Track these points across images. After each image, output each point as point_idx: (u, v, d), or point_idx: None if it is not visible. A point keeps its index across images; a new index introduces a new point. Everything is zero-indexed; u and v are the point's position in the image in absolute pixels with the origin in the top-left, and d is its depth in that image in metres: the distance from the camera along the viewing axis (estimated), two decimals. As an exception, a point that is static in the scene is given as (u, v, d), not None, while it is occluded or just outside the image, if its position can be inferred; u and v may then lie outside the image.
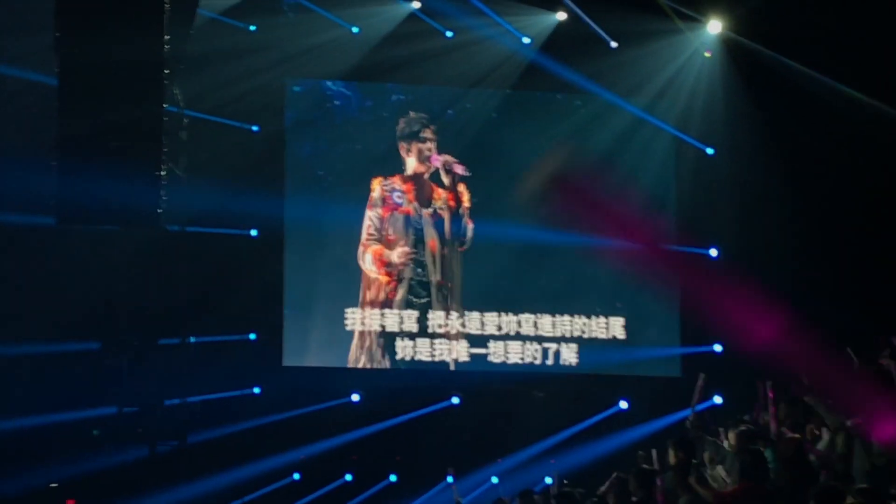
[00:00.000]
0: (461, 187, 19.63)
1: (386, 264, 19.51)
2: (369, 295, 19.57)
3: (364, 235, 19.43)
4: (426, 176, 19.68)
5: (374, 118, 19.89)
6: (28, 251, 16.60)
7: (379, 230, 19.53)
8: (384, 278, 19.53)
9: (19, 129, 15.90)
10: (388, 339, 19.50)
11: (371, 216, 19.52)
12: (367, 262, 19.42)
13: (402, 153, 19.70)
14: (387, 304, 19.54)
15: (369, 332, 19.47)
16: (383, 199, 19.60)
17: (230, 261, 18.48)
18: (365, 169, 19.69)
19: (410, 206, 19.62)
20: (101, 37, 11.18)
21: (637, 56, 18.72)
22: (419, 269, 19.58)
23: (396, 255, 19.47)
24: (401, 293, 19.57)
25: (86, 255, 16.29)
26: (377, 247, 19.46)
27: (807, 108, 16.85)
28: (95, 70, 11.18)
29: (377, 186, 19.61)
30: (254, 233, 19.40)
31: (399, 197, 19.66)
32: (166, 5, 11.60)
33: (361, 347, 19.52)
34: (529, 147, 19.57)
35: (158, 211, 11.86)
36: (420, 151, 19.70)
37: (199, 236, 17.22)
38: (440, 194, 19.68)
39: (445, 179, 19.61)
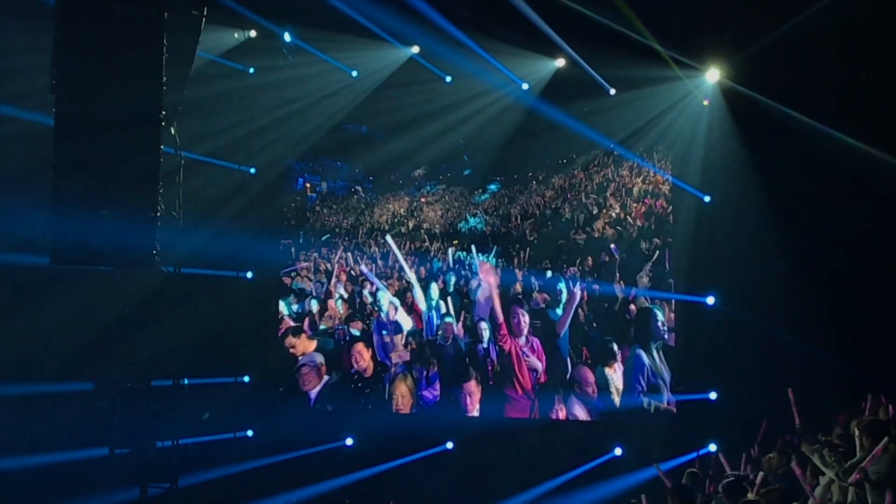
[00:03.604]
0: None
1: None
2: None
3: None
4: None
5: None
6: (23, 291, 16.56)
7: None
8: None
9: (18, 168, 15.89)
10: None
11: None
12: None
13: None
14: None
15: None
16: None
17: (226, 303, 18.46)
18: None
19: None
20: (99, 79, 11.17)
21: (635, 103, 18.74)
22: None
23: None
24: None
25: (81, 296, 16.27)
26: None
27: (803, 155, 16.84)
28: (92, 111, 11.16)
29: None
30: (249, 275, 19.39)
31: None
32: (165, 47, 11.60)
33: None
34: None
35: (154, 252, 11.82)
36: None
37: (194, 278, 17.17)
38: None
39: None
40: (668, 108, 18.77)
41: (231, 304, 18.62)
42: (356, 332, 19.82)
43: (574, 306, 19.14)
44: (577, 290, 19.22)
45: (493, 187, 20.38)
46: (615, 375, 18.82)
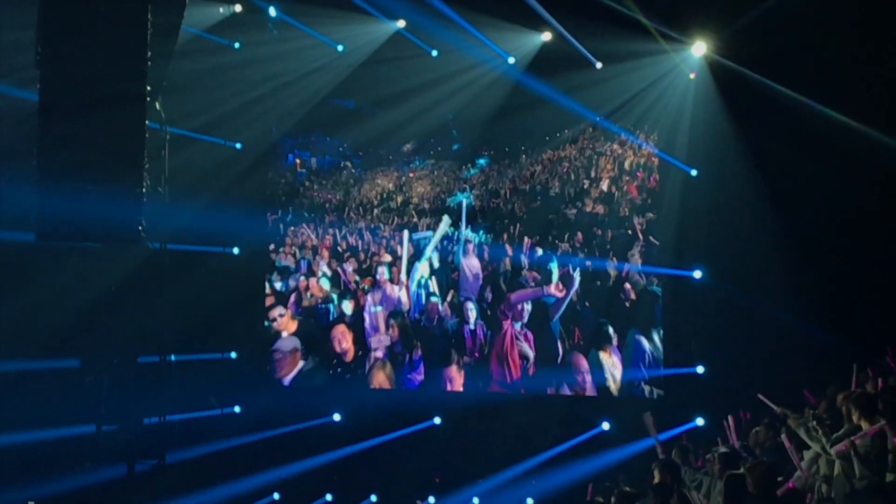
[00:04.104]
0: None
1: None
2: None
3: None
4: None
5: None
6: (9, 267, 16.50)
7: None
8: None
9: (2, 144, 15.81)
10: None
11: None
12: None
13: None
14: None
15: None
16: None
17: (213, 279, 18.42)
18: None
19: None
20: (84, 54, 11.10)
21: (622, 77, 18.69)
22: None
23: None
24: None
25: (66, 272, 16.21)
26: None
27: (789, 129, 16.84)
28: (77, 87, 11.09)
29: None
30: (236, 251, 19.35)
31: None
32: (150, 22, 11.53)
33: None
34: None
35: (139, 228, 11.74)
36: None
37: (181, 254, 17.11)
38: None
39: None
40: (655, 82, 18.74)
41: (218, 280, 18.58)
42: (348, 311, 19.72)
43: (570, 293, 19.04)
44: (576, 276, 19.13)
45: (482, 162, 20.33)
46: (610, 360, 18.74)
